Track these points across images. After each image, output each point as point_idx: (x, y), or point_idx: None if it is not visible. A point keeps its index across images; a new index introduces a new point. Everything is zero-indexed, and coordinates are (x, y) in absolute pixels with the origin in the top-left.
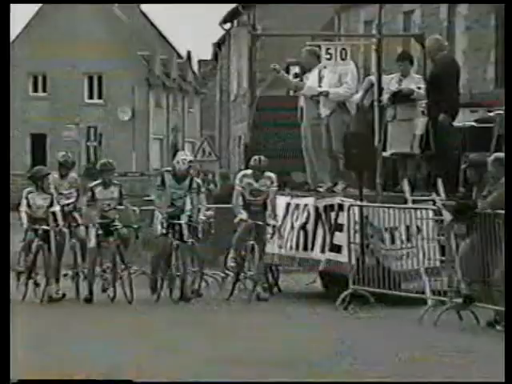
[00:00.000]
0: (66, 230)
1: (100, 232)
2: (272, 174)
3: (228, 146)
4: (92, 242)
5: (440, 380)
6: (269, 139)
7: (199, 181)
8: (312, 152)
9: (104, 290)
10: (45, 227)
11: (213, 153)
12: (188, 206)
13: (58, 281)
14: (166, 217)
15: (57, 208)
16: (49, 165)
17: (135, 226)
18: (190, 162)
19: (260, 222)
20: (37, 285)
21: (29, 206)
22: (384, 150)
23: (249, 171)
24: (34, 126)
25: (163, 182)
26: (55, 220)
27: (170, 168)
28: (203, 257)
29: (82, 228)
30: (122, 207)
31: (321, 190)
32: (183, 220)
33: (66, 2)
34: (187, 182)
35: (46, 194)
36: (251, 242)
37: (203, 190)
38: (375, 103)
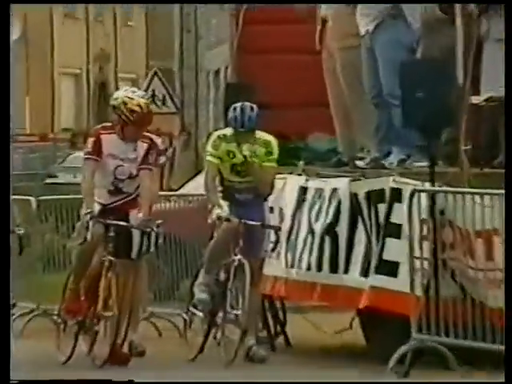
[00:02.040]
0: None
1: None
2: (270, 137)
3: (196, 88)
4: None
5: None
6: (267, 75)
7: (160, 143)
8: (346, 97)
9: None
10: None
11: (169, 99)
12: (146, 196)
13: None
14: (94, 212)
15: None
16: None
17: (19, 231)
18: (148, 105)
19: (253, 222)
20: None
21: None
22: (474, 92)
23: (228, 131)
24: None
25: (98, 146)
26: None
27: (108, 123)
28: (151, 284)
29: None
30: None
31: (361, 163)
32: (133, 219)
33: (66, 3)
34: (141, 147)
35: None
36: (237, 258)
37: (163, 160)
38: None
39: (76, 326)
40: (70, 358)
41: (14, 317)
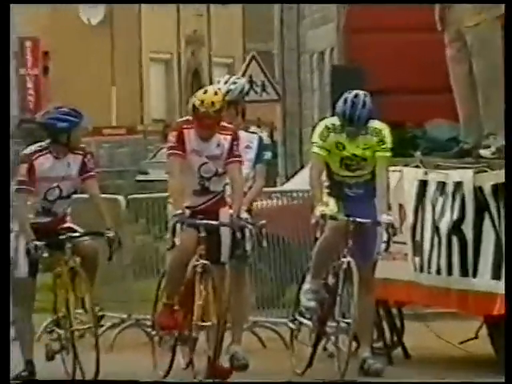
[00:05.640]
0: None
1: (39, 245)
2: (382, 125)
3: (299, 72)
4: (22, 268)
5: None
6: (379, 56)
7: (266, 138)
8: (478, 76)
9: (50, 358)
10: None
11: (269, 86)
12: (238, 191)
13: None
14: (182, 214)
15: None
16: None
17: (109, 234)
18: (243, 92)
19: (363, 220)
20: None
21: None
22: None
23: (337, 120)
24: None
25: (181, 141)
26: None
27: (186, 117)
28: (251, 292)
29: (11, 238)
30: (85, 195)
31: (486, 153)
32: (224, 218)
33: (67, 3)
34: (224, 140)
35: None
36: (346, 260)
37: (267, 156)
38: None
39: (172, 339)
40: (168, 372)
41: (103, 328)
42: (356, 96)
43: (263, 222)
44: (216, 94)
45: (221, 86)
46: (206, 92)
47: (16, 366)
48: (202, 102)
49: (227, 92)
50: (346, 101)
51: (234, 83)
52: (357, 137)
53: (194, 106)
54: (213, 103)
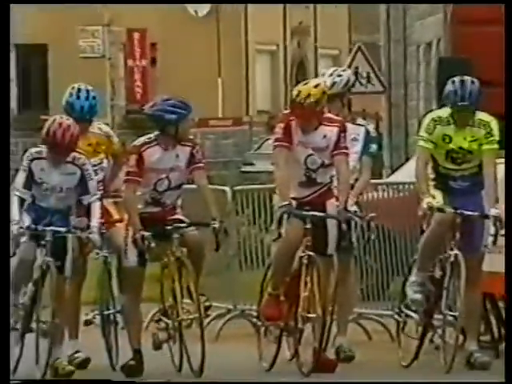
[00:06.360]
0: (96, 236)
1: (147, 236)
2: (490, 118)
3: (405, 63)
4: (131, 258)
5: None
6: (487, 48)
7: (372, 130)
8: None
9: (158, 348)
10: (57, 228)
11: (375, 77)
12: (345, 183)
13: (75, 334)
14: (288, 205)
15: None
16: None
17: (216, 225)
18: (348, 85)
19: (470, 212)
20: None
21: (29, 185)
22: None
23: (445, 112)
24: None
25: (288, 133)
26: (81, 215)
27: (283, 111)
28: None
29: (120, 230)
30: (193, 186)
31: None
32: (331, 210)
33: (68, 3)
34: (331, 131)
35: (68, 165)
36: (453, 253)
37: (373, 148)
38: None
39: (278, 330)
40: (273, 363)
41: (209, 318)
42: (462, 77)
43: (372, 215)
44: (316, 86)
45: (326, 78)
46: (306, 84)
47: (123, 355)
48: (299, 92)
49: (332, 85)
50: (454, 82)
51: (339, 76)
52: (466, 124)
53: (291, 96)
54: (309, 95)
